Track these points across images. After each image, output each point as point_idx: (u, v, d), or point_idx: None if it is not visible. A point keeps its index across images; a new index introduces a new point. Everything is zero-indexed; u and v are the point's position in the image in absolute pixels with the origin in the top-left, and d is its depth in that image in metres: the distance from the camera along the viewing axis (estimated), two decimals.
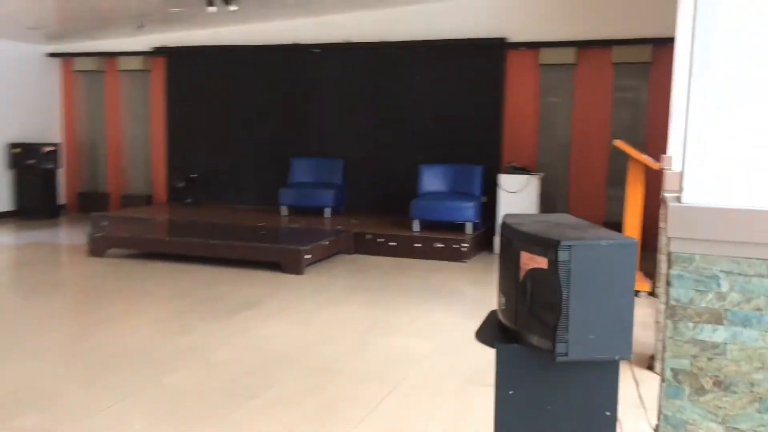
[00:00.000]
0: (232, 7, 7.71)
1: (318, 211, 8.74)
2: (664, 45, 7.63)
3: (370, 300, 5.72)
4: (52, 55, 10.67)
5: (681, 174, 2.38)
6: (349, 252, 7.54)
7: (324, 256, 7.04)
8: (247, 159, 9.72)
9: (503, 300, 2.33)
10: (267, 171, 9.59)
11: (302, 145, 9.39)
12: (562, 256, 2.02)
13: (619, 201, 7.94)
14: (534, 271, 2.13)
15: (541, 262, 2.10)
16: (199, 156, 9.93)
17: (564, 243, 2.03)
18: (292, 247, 6.63)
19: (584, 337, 2.05)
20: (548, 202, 7.85)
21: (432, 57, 8.68)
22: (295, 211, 8.89)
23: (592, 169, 8.10)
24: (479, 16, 8.39)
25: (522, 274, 2.18)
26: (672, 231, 2.34)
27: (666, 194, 3.83)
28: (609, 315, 2.06)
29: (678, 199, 2.35)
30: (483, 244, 7.74)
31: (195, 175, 9.77)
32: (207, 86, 9.92)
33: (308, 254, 6.64)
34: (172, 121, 10.14)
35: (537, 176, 7.51)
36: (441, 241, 7.28)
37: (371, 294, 5.92)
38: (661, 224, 4.64)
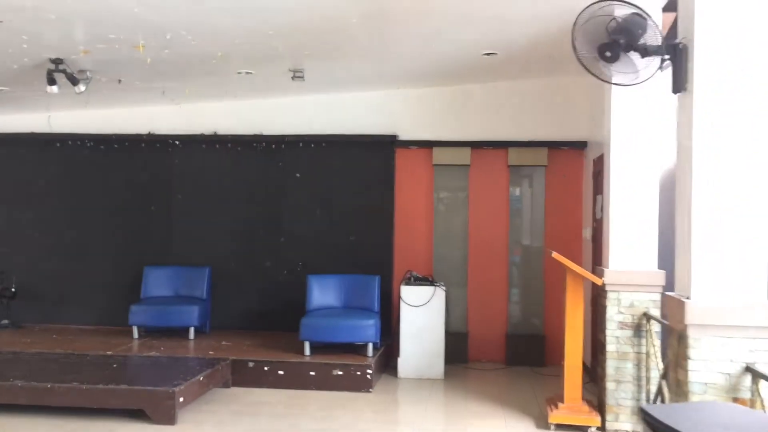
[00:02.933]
0: (80, 88, 6.37)
1: (179, 332, 7.28)
2: (557, 148, 7.46)
3: None
4: None
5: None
6: (226, 385, 6.17)
7: (199, 394, 5.63)
8: (85, 268, 8.02)
9: None
10: (112, 282, 7.95)
11: (158, 251, 7.94)
12: None
13: (524, 311, 7.48)
14: None
15: None
16: (21, 265, 8.03)
17: None
18: (162, 388, 5.17)
19: None
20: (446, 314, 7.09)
21: (315, 153, 7.83)
22: (151, 332, 7.35)
23: (492, 277, 7.54)
24: (368, 111, 7.74)
25: None
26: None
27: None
28: None
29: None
30: (383, 366, 6.75)
31: (13, 289, 7.85)
32: (35, 180, 8.21)
33: (182, 395, 5.22)
34: None
35: (442, 287, 6.76)
36: (340, 368, 6.18)
37: None
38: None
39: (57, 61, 6.10)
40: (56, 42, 5.68)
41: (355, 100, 7.75)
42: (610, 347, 4.97)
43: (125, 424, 5.08)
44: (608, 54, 3.49)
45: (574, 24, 3.64)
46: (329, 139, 7.77)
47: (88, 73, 6.44)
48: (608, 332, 4.99)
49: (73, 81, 6.25)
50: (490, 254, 7.56)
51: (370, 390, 6.13)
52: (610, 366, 4.96)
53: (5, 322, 7.71)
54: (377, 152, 7.71)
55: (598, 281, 4.98)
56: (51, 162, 8.19)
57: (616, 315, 4.95)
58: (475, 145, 7.56)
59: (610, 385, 4.96)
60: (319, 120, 7.80)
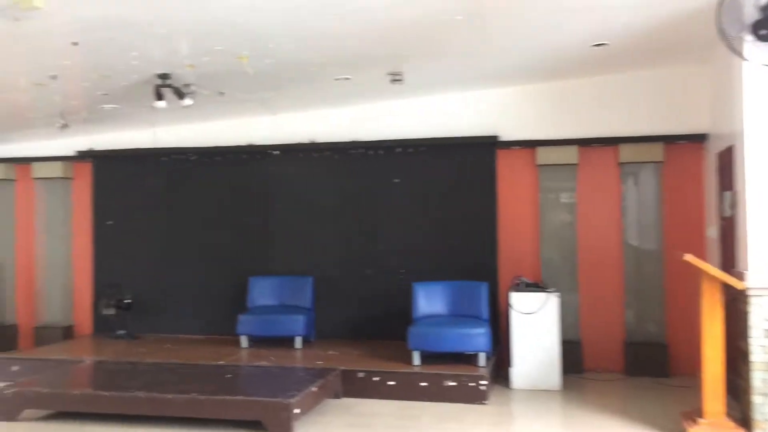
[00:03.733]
0: (186, 102, 6.48)
1: (285, 342, 7.27)
2: (673, 143, 6.99)
3: None
4: None
5: None
6: (337, 396, 6.08)
7: (313, 406, 5.56)
8: (194, 280, 8.16)
9: None
10: (219, 293, 8.06)
11: (262, 261, 7.98)
12: None
13: (643, 317, 7.04)
14: None
15: None
16: (133, 277, 8.27)
17: None
18: (277, 399, 5.12)
19: None
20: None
21: (413, 158, 7.66)
22: (258, 341, 7.38)
23: (606, 282, 7.12)
24: (468, 113, 7.50)
25: None
26: None
27: None
28: None
29: None
30: (494, 376, 6.48)
31: (128, 300, 8.09)
32: (144, 195, 8.44)
33: (298, 407, 5.16)
34: (100, 236, 8.53)
35: (555, 294, 6.43)
36: (452, 378, 5.96)
37: None
38: None
39: (164, 76, 6.22)
40: (164, 57, 5.78)
41: (453, 102, 7.54)
42: (756, 357, 4.54)
43: None
44: (764, 32, 3.14)
45: (720, 3, 3.31)
46: (427, 143, 7.58)
47: (192, 86, 6.54)
48: (752, 341, 4.56)
49: (180, 95, 6.36)
50: (602, 257, 7.15)
51: (485, 402, 5.88)
52: (757, 378, 4.52)
53: (122, 332, 7.94)
54: (478, 154, 7.47)
55: (740, 285, 4.55)
56: (157, 176, 8.40)
57: (761, 322, 4.51)
58: (583, 143, 7.18)
59: (756, 399, 4.53)
60: (417, 123, 7.63)
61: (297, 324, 7.20)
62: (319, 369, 6.15)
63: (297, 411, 5.14)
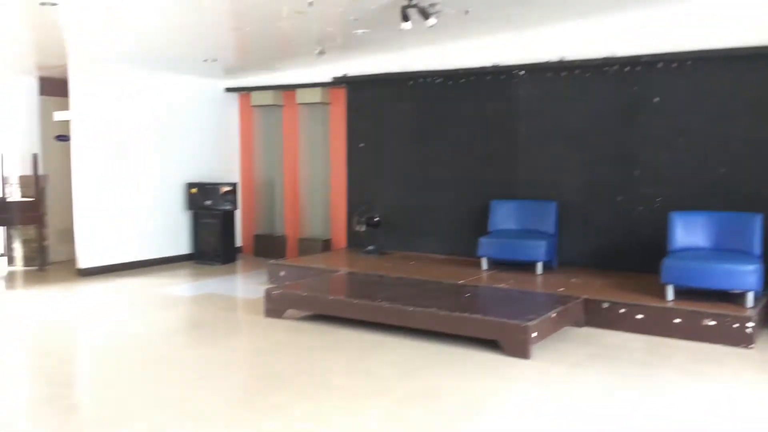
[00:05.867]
0: (431, 21, 6.43)
1: (526, 267, 7.15)
2: None
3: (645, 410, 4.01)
4: (230, 89, 10.11)
5: None
6: (578, 324, 5.86)
7: (551, 331, 5.42)
8: (437, 201, 8.36)
9: None
10: (462, 216, 8.17)
11: (505, 185, 7.87)
12: None
13: None
14: None
15: None
16: (381, 197, 8.74)
17: None
18: (515, 321, 5.07)
19: None
20: None
21: (677, 74, 6.83)
22: (498, 264, 7.36)
23: None
24: (747, 18, 6.44)
25: None
26: None
27: None
28: None
29: None
30: (764, 320, 5.70)
31: (377, 219, 8.58)
32: (392, 119, 8.75)
33: (535, 330, 5.06)
34: (353, 158, 9.08)
35: None
36: (712, 317, 5.37)
37: (643, 399, 4.21)
38: None
39: None
40: None
41: (730, 4, 6.49)
42: None
43: (478, 353, 5.11)
44: None
45: None
46: (695, 56, 6.68)
47: (437, 5, 6.47)
48: None
49: (425, 15, 6.33)
50: None
51: (751, 346, 5.21)
52: None
53: (371, 248, 8.48)
54: (758, 68, 6.40)
55: None
56: (405, 100, 8.62)
57: None
58: None
59: None
60: (682, 34, 6.74)
61: (538, 249, 7.01)
62: (560, 295, 5.96)
63: (535, 334, 5.04)
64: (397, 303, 5.66)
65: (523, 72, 7.76)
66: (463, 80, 8.16)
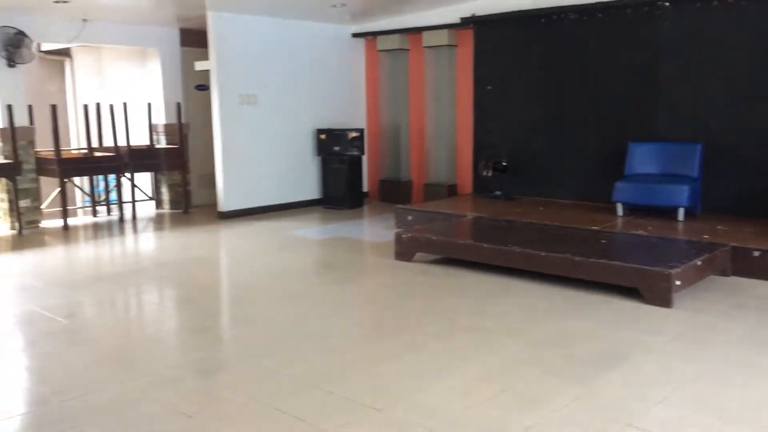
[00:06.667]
0: None
1: (666, 213, 6.77)
2: None
3: None
4: (357, 35, 10.15)
5: None
6: (725, 273, 5.50)
7: (696, 280, 5.13)
8: (569, 144, 8.05)
9: None
10: (594, 159, 7.83)
11: (643, 126, 7.43)
12: None
13: None
14: None
15: None
16: (509, 141, 8.53)
17: None
18: (657, 268, 4.83)
19: None
20: None
21: None
22: (635, 210, 7.02)
23: None
24: None
25: None
26: None
27: None
28: None
29: None
30: None
31: (504, 164, 8.41)
32: (522, 59, 8.45)
33: (679, 279, 4.81)
34: (480, 101, 8.89)
35: None
36: None
37: None
38: None
39: None
40: None
41: None
42: None
43: (619, 300, 4.94)
44: None
45: None
46: None
47: None
48: None
49: None
50: None
51: None
52: None
53: (498, 193, 8.35)
54: None
55: None
56: (535, 39, 8.27)
57: None
58: None
59: None
60: None
61: (680, 194, 6.60)
62: (704, 243, 5.60)
63: (678, 283, 4.79)
64: (528, 248, 5.56)
65: (667, 3, 7.19)
66: (600, 15, 7.69)
